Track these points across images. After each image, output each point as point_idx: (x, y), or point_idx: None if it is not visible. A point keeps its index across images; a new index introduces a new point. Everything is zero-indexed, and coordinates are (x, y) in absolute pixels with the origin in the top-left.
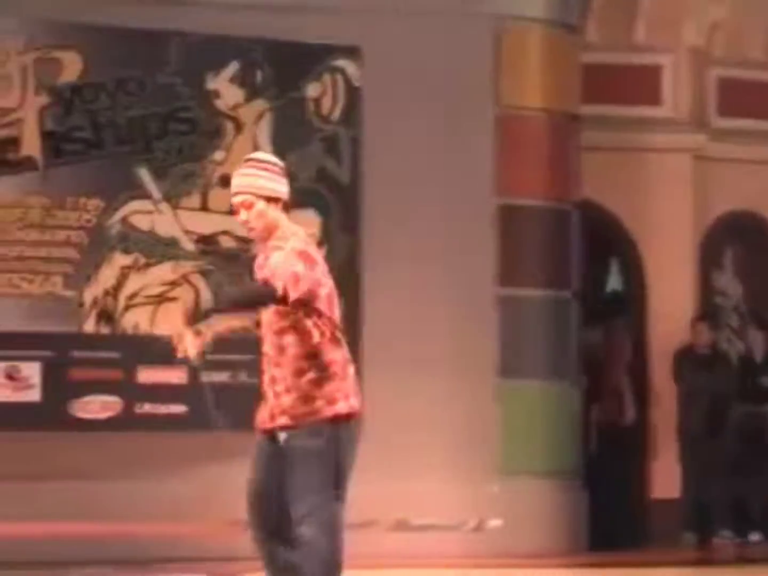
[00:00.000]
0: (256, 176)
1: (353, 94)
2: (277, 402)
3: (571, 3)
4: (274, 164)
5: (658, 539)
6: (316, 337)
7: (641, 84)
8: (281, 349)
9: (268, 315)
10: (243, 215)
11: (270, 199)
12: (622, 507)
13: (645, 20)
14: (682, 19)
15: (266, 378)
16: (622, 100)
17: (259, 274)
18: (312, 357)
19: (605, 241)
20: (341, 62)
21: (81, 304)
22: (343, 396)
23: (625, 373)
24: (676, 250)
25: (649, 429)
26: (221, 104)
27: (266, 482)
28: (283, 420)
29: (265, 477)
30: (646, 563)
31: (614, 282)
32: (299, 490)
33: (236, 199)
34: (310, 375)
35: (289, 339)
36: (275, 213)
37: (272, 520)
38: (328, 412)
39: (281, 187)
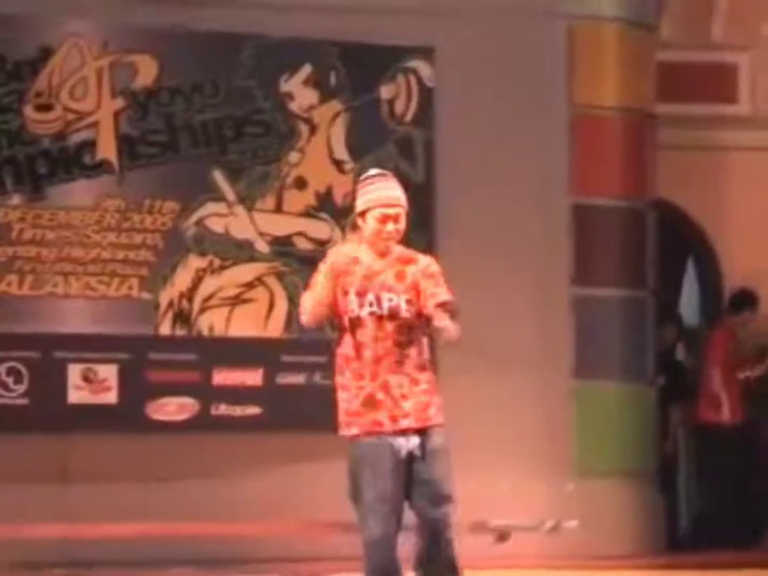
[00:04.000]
0: (400, 190)
1: (426, 95)
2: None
3: (646, 1)
4: None
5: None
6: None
7: (718, 82)
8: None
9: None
10: (392, 226)
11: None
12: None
13: (721, 18)
14: (759, 16)
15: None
16: (698, 99)
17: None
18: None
19: (681, 239)
20: (414, 63)
21: (157, 307)
22: None
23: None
24: (753, 250)
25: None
26: (295, 106)
27: None
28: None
29: None
30: (729, 564)
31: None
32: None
33: (394, 211)
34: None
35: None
36: None
37: None
38: None
39: None
